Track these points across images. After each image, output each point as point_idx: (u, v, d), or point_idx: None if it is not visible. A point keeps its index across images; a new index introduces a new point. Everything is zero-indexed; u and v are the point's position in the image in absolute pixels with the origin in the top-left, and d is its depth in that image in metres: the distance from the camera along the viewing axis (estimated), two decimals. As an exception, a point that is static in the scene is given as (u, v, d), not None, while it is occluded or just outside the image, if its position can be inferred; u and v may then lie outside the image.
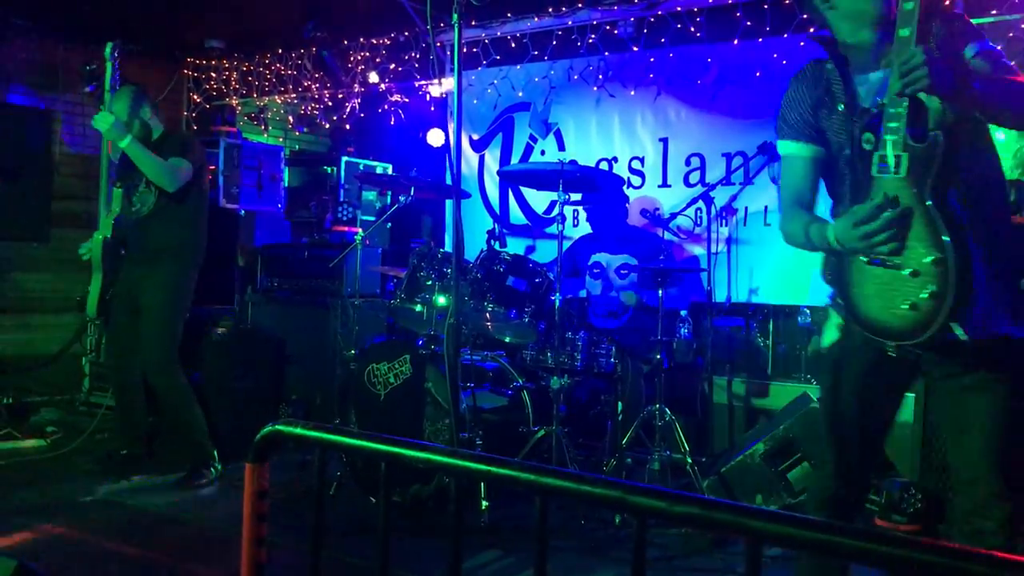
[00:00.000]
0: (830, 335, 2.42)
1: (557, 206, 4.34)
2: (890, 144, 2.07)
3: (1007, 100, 2.07)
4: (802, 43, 5.17)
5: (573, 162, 5.45)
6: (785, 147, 2.40)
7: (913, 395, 4.07)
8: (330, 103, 7.41)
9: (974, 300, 2.05)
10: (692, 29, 5.59)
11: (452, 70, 2.70)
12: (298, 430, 1.85)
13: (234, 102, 7.70)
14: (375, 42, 6.85)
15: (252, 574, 1.91)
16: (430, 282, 4.29)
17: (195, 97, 7.85)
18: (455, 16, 2.35)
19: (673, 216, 5.45)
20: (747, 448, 4.50)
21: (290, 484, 4.58)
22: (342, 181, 7.09)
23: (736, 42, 5.44)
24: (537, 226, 6.34)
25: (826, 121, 2.30)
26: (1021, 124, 2.30)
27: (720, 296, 5.44)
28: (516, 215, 6.45)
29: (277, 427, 1.88)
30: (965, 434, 2.21)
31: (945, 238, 2.02)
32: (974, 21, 4.73)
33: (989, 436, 2.16)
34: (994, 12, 4.77)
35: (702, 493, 4.21)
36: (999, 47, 4.74)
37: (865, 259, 2.14)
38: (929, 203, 2.04)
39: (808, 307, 5.43)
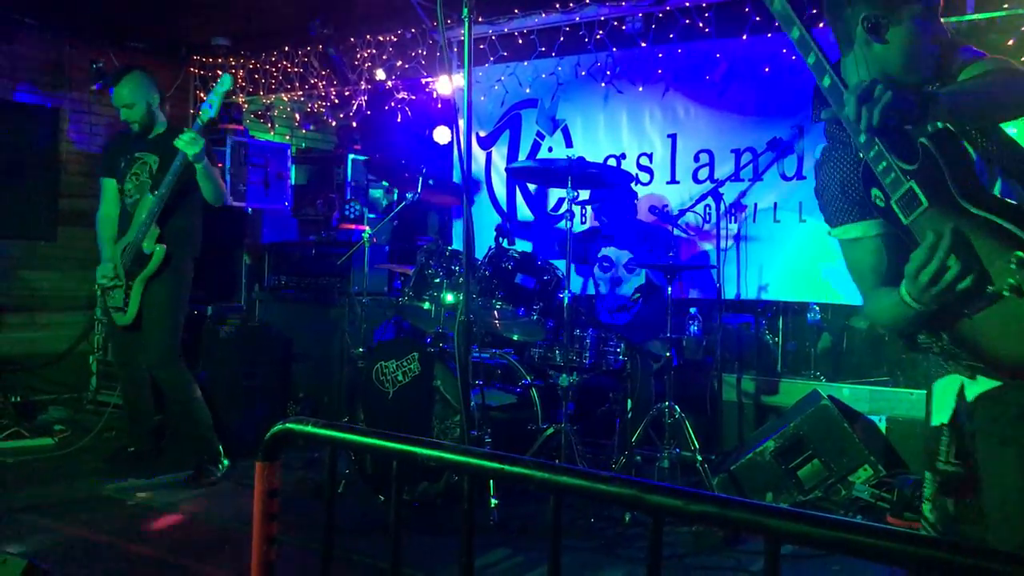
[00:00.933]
0: (947, 405, 2.08)
1: (565, 203, 4.32)
2: (890, 181, 1.88)
3: (984, 102, 1.90)
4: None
5: (581, 159, 5.43)
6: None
7: (924, 391, 4.04)
8: (336, 100, 7.39)
9: None
10: (700, 24, 5.55)
11: (460, 66, 2.68)
12: (309, 428, 1.83)
13: (241, 100, 7.69)
14: (381, 39, 6.82)
15: (262, 573, 1.90)
16: (438, 280, 4.28)
17: (202, 95, 7.84)
18: (465, 10, 2.32)
19: (682, 213, 5.43)
20: (757, 446, 4.48)
21: (298, 482, 4.57)
22: (349, 179, 7.08)
23: (745, 37, 5.41)
24: (545, 223, 6.31)
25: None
26: (1013, 117, 1.99)
27: (730, 293, 5.41)
28: (523, 212, 6.43)
29: (288, 425, 1.86)
30: None
31: (1009, 226, 1.75)
32: (983, 16, 4.75)
33: None
34: (1006, 6, 4.72)
35: (712, 491, 4.19)
36: (1011, 41, 4.70)
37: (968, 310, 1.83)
38: (969, 207, 1.79)
39: (818, 304, 5.40)
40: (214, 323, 5.62)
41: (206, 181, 4.53)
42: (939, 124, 1.87)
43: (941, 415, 2.07)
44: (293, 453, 4.87)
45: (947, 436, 2.07)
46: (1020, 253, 1.72)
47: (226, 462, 4.77)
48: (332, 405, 5.82)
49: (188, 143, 4.38)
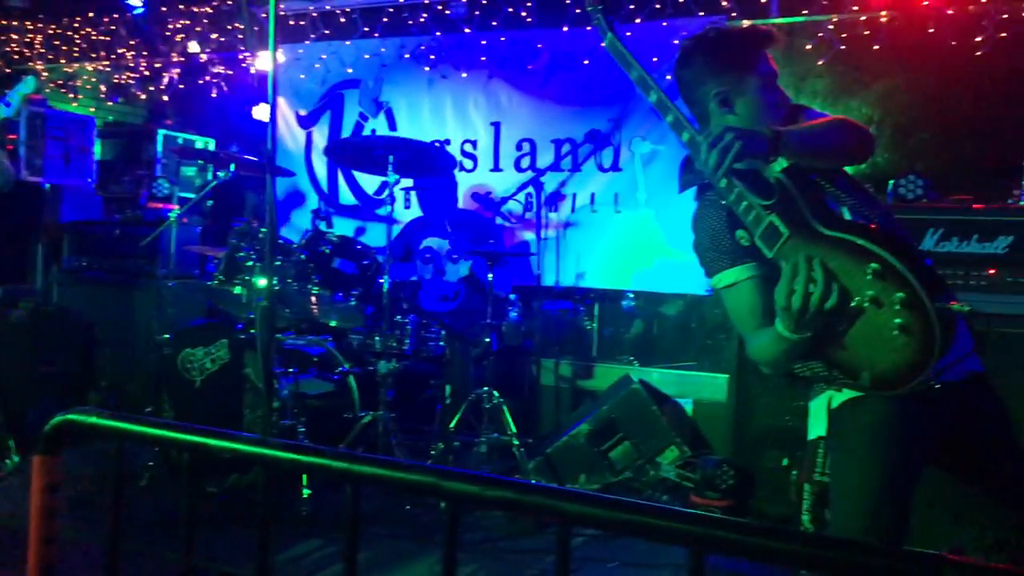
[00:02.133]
0: (821, 419, 2.17)
1: (387, 188, 4.26)
2: (752, 219, 1.99)
3: (825, 141, 2.07)
4: (628, 33, 5.29)
5: (402, 138, 5.38)
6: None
7: (727, 376, 4.27)
8: (147, 73, 6.99)
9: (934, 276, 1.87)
10: (523, 14, 5.61)
11: (278, 42, 2.56)
12: (92, 419, 1.71)
13: (39, 67, 7.13)
14: (195, 10, 6.50)
15: (41, 575, 1.77)
16: (250, 263, 4.12)
17: (-7, 60, 7.22)
18: (271, -17, 2.22)
19: (504, 201, 5.47)
20: (572, 429, 4.59)
21: (100, 476, 4.29)
22: (159, 156, 6.70)
23: (566, 29, 5.51)
24: (367, 207, 6.22)
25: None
26: (848, 160, 2.19)
27: (549, 280, 5.51)
28: (345, 195, 6.30)
29: (69, 417, 1.74)
30: None
31: (861, 242, 1.87)
32: (784, 21, 5.04)
33: None
34: (805, 12, 5.03)
35: (528, 475, 4.26)
36: (809, 46, 5.00)
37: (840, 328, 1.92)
38: (823, 230, 1.92)
39: (632, 291, 5.59)
40: (3, 307, 5.19)
41: None
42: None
43: (817, 429, 2.18)
44: (101, 444, 4.56)
45: (822, 448, 2.17)
46: (875, 265, 1.83)
47: (16, 458, 4.42)
48: (138, 395, 5.51)
49: None
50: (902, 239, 1.93)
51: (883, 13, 4.79)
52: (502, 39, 5.71)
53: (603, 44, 2.25)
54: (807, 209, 1.95)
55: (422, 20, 5.87)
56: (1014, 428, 2.16)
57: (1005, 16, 4.54)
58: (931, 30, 4.70)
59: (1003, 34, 4.54)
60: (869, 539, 1.93)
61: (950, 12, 4.66)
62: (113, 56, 6.92)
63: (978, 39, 4.59)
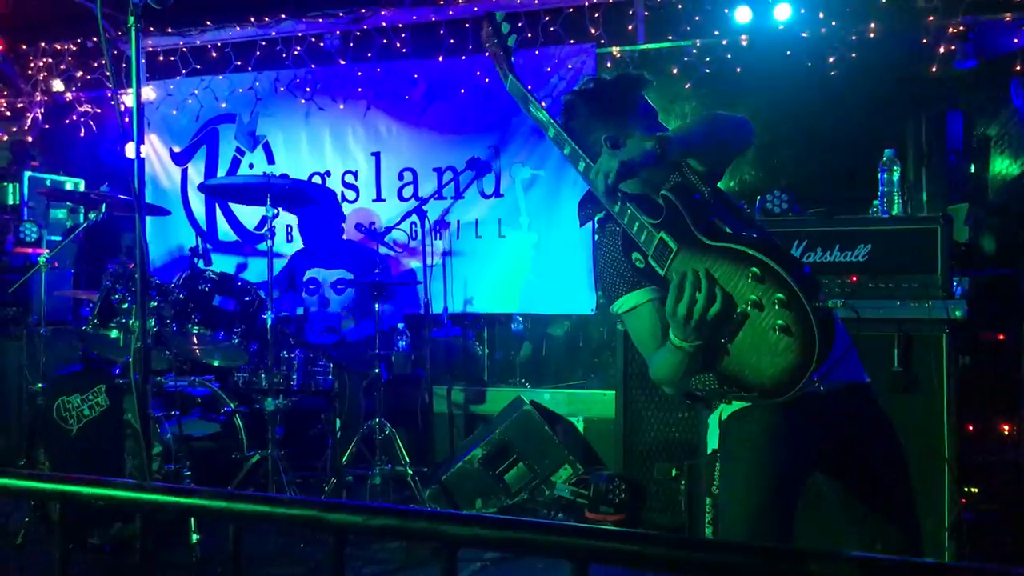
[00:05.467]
0: (716, 432, 2.23)
1: (268, 222, 4.21)
2: (644, 238, 2.07)
3: (708, 133, 2.18)
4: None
5: (284, 175, 5.30)
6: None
7: (614, 392, 4.36)
8: (8, 113, 6.71)
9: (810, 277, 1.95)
10: (398, 45, 5.65)
11: (146, 79, 2.52)
12: (-48, 477, 1.63)
13: None
14: (59, 47, 6.29)
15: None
16: (125, 305, 3.99)
17: None
18: (131, 19, 2.18)
19: (388, 230, 5.47)
20: (466, 454, 4.60)
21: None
22: (25, 198, 6.42)
23: (441, 59, 5.57)
24: (248, 243, 6.11)
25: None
26: (737, 147, 2.30)
27: (438, 307, 5.53)
28: (225, 232, 6.18)
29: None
30: None
31: (742, 248, 1.95)
32: (651, 47, 5.23)
33: None
34: (670, 37, 5.23)
35: (424, 504, 4.24)
36: (675, 70, 5.19)
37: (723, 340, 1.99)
38: (707, 241, 1.99)
39: (520, 314, 5.65)
40: None
41: None
42: (676, 179, 2.12)
43: (713, 442, 2.24)
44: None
45: (718, 462, 2.24)
46: (755, 269, 1.91)
47: None
48: (11, 449, 5.25)
49: None
50: (778, 246, 2.02)
51: (743, 37, 5.03)
52: (378, 70, 5.73)
53: (505, 86, 2.33)
54: (692, 223, 2.03)
55: (296, 53, 5.83)
56: (899, 440, 2.27)
57: (854, 38, 4.83)
58: (788, 52, 4.96)
59: (853, 54, 4.83)
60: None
61: (804, 35, 4.92)
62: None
63: (831, 59, 4.87)
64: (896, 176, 3.76)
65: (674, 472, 4.04)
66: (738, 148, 2.32)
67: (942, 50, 4.70)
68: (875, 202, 3.89)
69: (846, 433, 2.19)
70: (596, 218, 2.34)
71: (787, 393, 1.95)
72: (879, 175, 3.79)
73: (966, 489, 3.53)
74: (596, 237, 2.34)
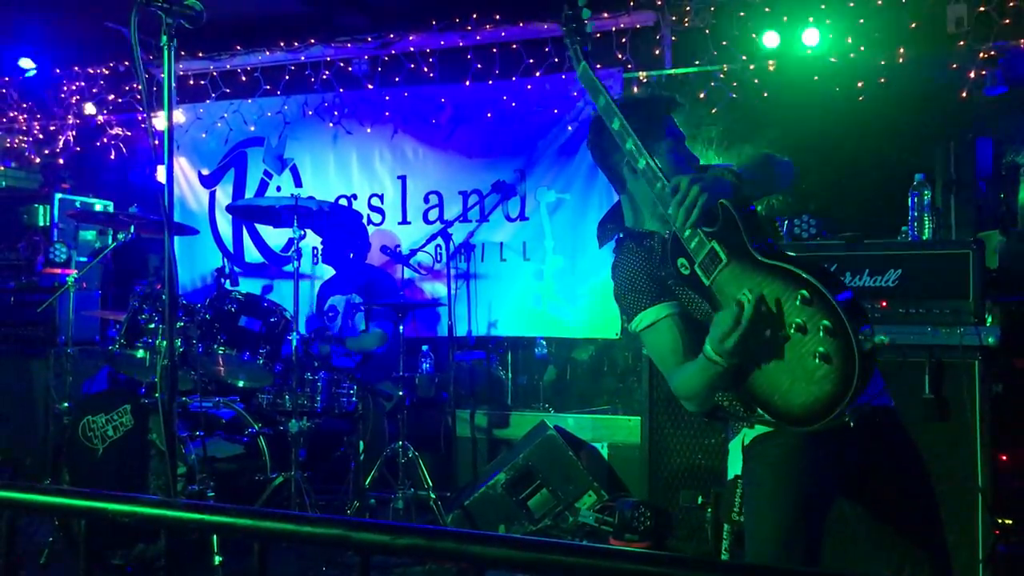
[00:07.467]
0: (738, 458, 2.22)
1: (295, 243, 4.23)
2: (695, 244, 2.03)
3: (767, 173, 2.22)
4: (529, 86, 5.42)
5: (311, 198, 5.33)
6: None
7: (639, 417, 4.31)
8: (41, 135, 6.81)
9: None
10: (425, 69, 5.69)
11: (177, 102, 2.55)
12: (-22, 492, 1.63)
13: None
14: (91, 71, 6.38)
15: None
16: (152, 325, 4.01)
17: None
18: (164, 39, 2.21)
19: (413, 253, 5.48)
20: (489, 479, 4.56)
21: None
22: (55, 220, 6.50)
23: (468, 83, 5.60)
24: (275, 264, 6.14)
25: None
26: (785, 185, 2.35)
27: (462, 330, 5.52)
28: (252, 254, 6.21)
29: (-47, 491, 1.65)
30: None
31: (794, 269, 1.91)
32: (680, 71, 5.22)
33: None
34: (697, 63, 5.22)
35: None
36: (702, 94, 5.18)
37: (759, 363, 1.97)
38: (760, 258, 1.95)
39: (544, 338, 5.63)
40: None
41: None
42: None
43: (735, 468, 2.22)
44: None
45: (740, 488, 2.21)
46: (804, 291, 1.87)
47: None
48: (37, 468, 5.27)
49: None
50: (828, 271, 2.00)
51: (770, 62, 5.02)
52: (405, 94, 5.77)
53: (576, 73, 2.30)
54: (747, 235, 1.99)
55: (324, 77, 5.89)
56: (925, 465, 2.23)
57: (883, 63, 4.80)
58: (816, 77, 4.94)
59: (882, 79, 4.80)
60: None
61: (833, 60, 4.90)
62: (4, 119, 6.72)
63: (860, 84, 4.84)
64: (927, 200, 3.72)
65: (700, 499, 3.99)
66: (783, 187, 2.36)
67: (972, 76, 4.65)
68: (904, 227, 3.85)
69: (871, 456, 2.16)
70: (615, 237, 2.33)
71: (814, 424, 1.91)
72: (909, 199, 3.75)
73: (1000, 520, 3.46)
74: (614, 257, 2.31)
